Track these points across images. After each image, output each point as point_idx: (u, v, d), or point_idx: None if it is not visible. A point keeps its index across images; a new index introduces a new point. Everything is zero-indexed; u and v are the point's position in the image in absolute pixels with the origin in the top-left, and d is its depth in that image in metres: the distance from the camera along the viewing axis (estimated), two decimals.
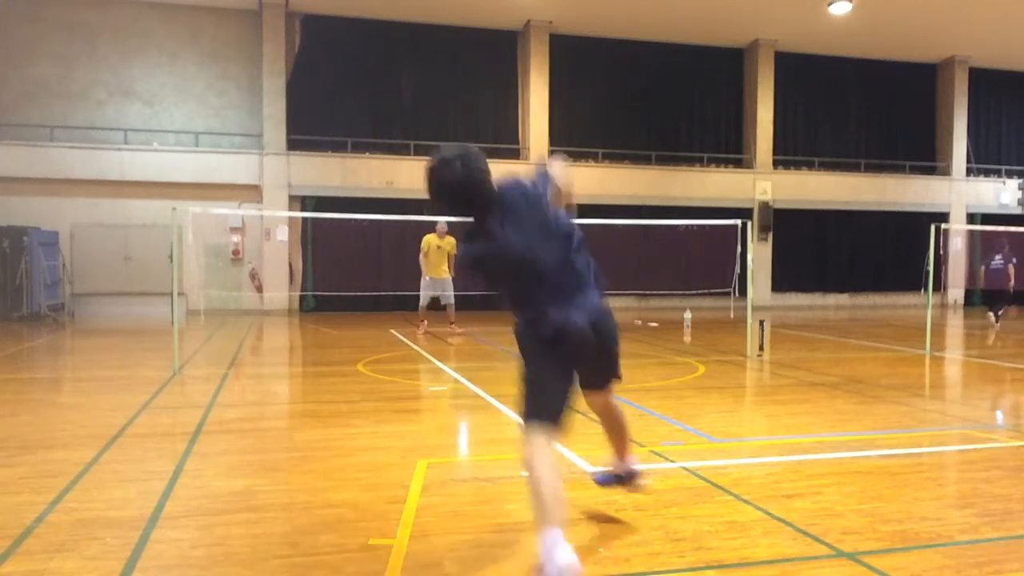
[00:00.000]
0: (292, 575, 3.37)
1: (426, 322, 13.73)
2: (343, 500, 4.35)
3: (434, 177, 3.31)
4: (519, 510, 4.22)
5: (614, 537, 3.79)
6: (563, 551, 2.98)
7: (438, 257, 13.37)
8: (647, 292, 20.64)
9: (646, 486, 4.21)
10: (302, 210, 18.87)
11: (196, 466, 5.08)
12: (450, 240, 13.31)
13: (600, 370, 3.69)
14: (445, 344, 12.50)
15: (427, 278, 13.47)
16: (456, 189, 3.29)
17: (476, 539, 3.78)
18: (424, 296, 13.55)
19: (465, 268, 3.51)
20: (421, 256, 13.49)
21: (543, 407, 3.30)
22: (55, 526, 3.91)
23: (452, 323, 13.62)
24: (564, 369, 3.37)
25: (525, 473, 3.24)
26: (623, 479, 4.11)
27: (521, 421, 3.34)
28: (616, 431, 4.00)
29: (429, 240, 13.42)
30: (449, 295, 13.49)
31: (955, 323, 17.94)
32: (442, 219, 13.11)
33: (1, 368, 9.90)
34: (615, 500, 4.34)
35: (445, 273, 13.42)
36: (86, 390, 8.50)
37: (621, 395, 7.64)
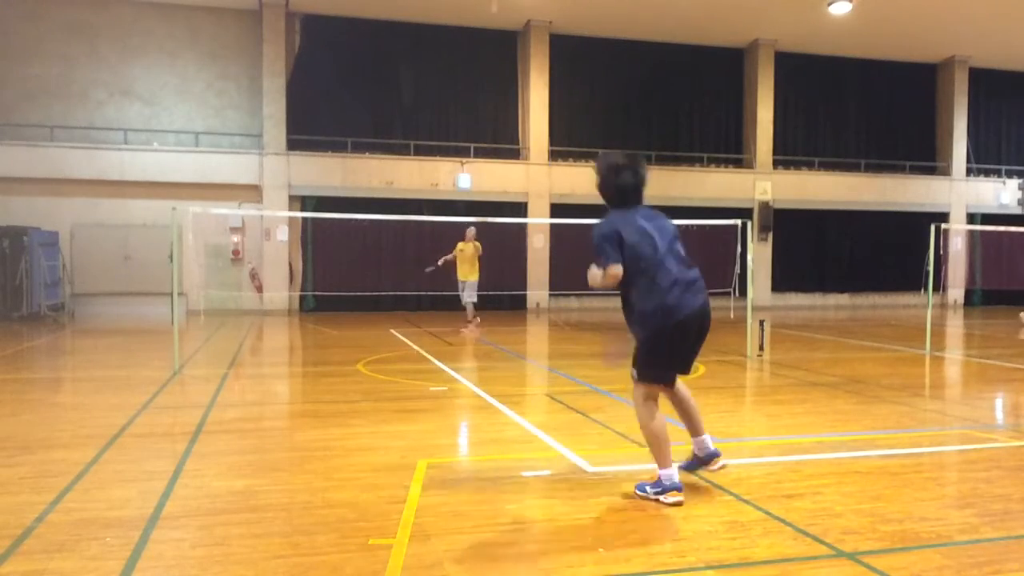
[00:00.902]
0: (292, 575, 3.37)
1: (477, 318, 14.72)
2: (343, 500, 4.35)
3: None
4: (519, 510, 4.23)
5: (614, 537, 3.79)
6: (678, 482, 4.29)
7: (460, 259, 14.32)
8: None
9: (725, 467, 4.60)
10: (302, 210, 18.87)
11: (196, 466, 5.07)
12: (475, 244, 14.28)
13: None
14: (445, 344, 12.50)
15: (459, 280, 14.63)
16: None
17: (476, 539, 3.78)
18: (463, 296, 14.65)
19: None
20: (453, 258, 14.43)
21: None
22: (55, 526, 3.91)
23: (469, 321, 14.48)
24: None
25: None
26: (704, 461, 4.61)
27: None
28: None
29: (459, 246, 14.43)
30: (470, 295, 14.47)
31: (955, 323, 17.94)
32: (473, 221, 14.00)
33: (1, 368, 9.90)
34: (615, 500, 4.35)
35: (469, 276, 14.37)
36: (86, 390, 8.50)
37: (622, 394, 7.67)
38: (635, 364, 4.35)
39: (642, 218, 4.23)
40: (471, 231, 14.31)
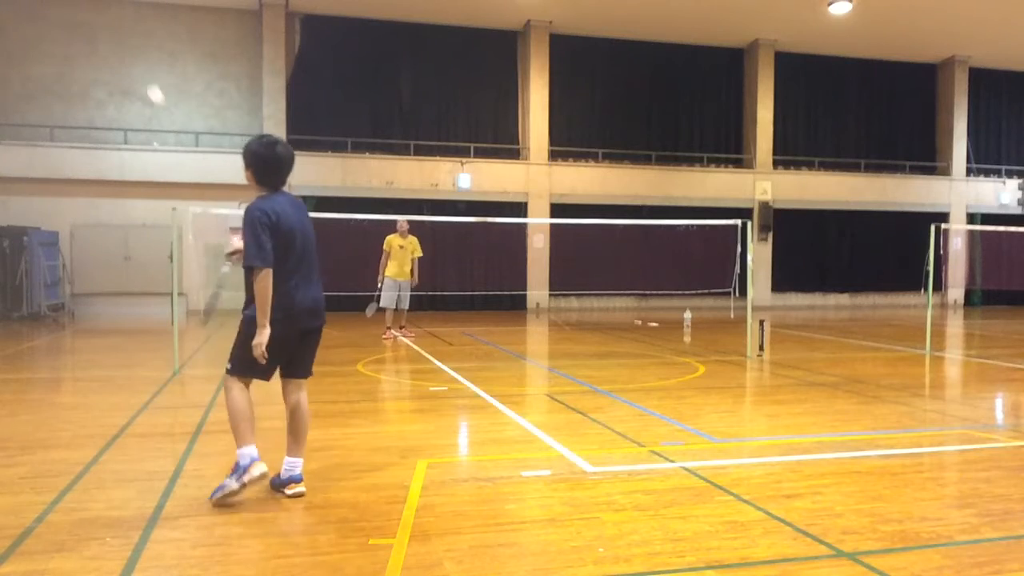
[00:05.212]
0: (292, 575, 3.37)
1: (392, 329, 13.06)
2: (343, 500, 4.35)
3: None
4: (519, 510, 4.23)
5: (614, 537, 3.79)
6: (258, 462, 4.36)
7: (401, 257, 12.71)
8: (647, 292, 20.64)
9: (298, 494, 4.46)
10: None
11: (196, 466, 5.08)
12: (413, 240, 12.83)
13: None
14: (445, 344, 12.50)
15: (389, 280, 12.75)
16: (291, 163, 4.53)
17: (476, 539, 3.78)
18: (388, 298, 12.73)
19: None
20: (384, 257, 12.82)
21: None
22: (55, 526, 3.91)
23: (402, 327, 13.17)
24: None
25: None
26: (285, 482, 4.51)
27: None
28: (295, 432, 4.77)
29: (391, 240, 12.82)
30: (406, 298, 12.82)
31: (955, 323, 17.93)
32: (403, 218, 12.79)
33: (1, 368, 9.90)
34: (615, 500, 4.34)
35: (407, 276, 12.78)
36: (86, 390, 8.50)
37: (622, 394, 7.68)
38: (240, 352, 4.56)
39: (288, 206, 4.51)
40: (404, 224, 12.68)
